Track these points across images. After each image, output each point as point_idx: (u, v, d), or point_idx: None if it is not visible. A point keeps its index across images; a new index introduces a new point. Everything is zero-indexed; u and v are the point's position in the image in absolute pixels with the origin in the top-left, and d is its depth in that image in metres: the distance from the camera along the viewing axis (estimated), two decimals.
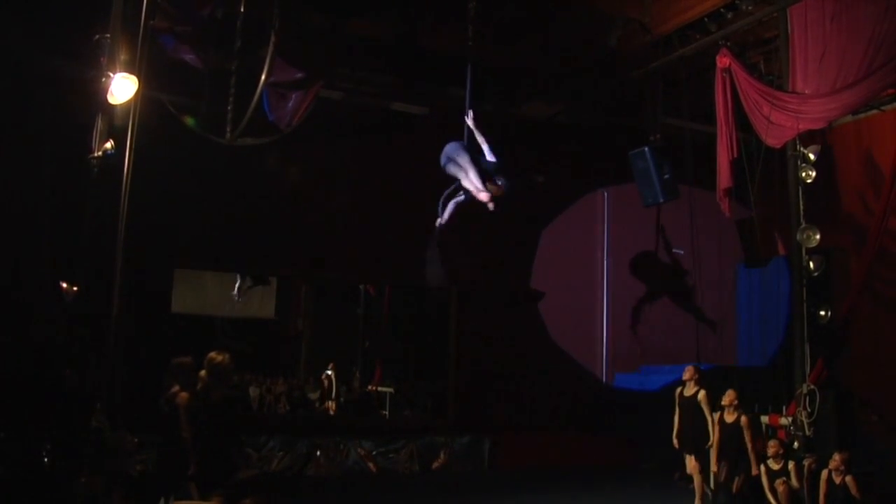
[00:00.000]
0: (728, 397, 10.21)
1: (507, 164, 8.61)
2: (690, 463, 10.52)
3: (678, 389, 10.71)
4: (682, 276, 16.20)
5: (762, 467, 9.77)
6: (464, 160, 8.37)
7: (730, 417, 10.10)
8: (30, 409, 9.67)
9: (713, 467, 10.24)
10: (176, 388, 7.66)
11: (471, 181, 8.31)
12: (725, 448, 10.07)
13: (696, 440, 10.34)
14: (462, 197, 8.56)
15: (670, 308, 16.26)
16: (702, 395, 10.38)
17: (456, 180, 8.51)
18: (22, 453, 9.44)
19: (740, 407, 10.13)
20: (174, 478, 7.55)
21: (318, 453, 12.68)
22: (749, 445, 9.92)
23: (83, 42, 8.59)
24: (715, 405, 10.37)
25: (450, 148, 8.52)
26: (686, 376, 10.66)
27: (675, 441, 10.68)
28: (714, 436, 10.19)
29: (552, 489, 11.77)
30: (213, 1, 9.91)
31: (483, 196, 8.30)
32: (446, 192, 8.66)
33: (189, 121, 9.80)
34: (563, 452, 14.03)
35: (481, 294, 14.57)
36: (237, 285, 15.77)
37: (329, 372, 16.08)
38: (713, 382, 10.67)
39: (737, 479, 10.04)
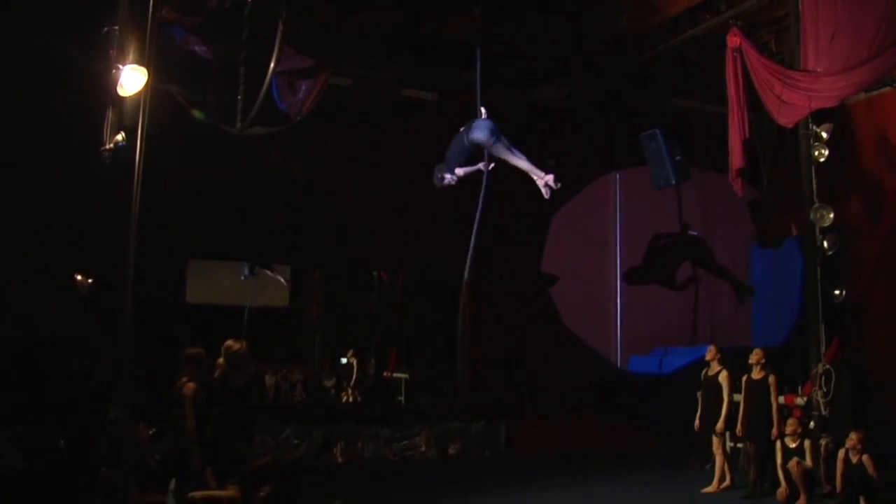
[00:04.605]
0: (755, 356, 10.28)
1: (517, 148, 8.61)
2: (715, 443, 10.54)
3: (704, 370, 10.74)
4: (696, 258, 16.17)
5: (778, 444, 9.78)
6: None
7: (757, 375, 10.14)
8: (48, 402, 9.76)
9: (738, 428, 10.28)
10: (184, 378, 7.70)
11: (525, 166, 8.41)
12: (751, 406, 10.10)
13: (716, 422, 10.36)
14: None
15: (684, 290, 16.23)
16: (723, 375, 10.41)
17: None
18: (41, 445, 9.53)
19: (768, 365, 10.15)
20: (183, 467, 7.60)
21: (335, 441, 12.71)
22: (774, 405, 9.96)
23: (93, 34, 8.62)
24: (735, 387, 10.40)
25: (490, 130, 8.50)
26: (709, 356, 10.69)
27: (696, 423, 10.71)
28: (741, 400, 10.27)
29: (569, 473, 11.76)
30: None
31: (549, 179, 8.41)
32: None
33: (197, 113, 9.80)
34: (578, 436, 14.02)
35: (494, 279, 14.55)
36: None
37: (345, 360, 16.12)
38: (728, 363, 10.68)
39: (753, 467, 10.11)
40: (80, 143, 9.26)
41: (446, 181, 8.59)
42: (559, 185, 8.46)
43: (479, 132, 8.36)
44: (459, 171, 8.63)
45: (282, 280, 15.66)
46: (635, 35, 12.97)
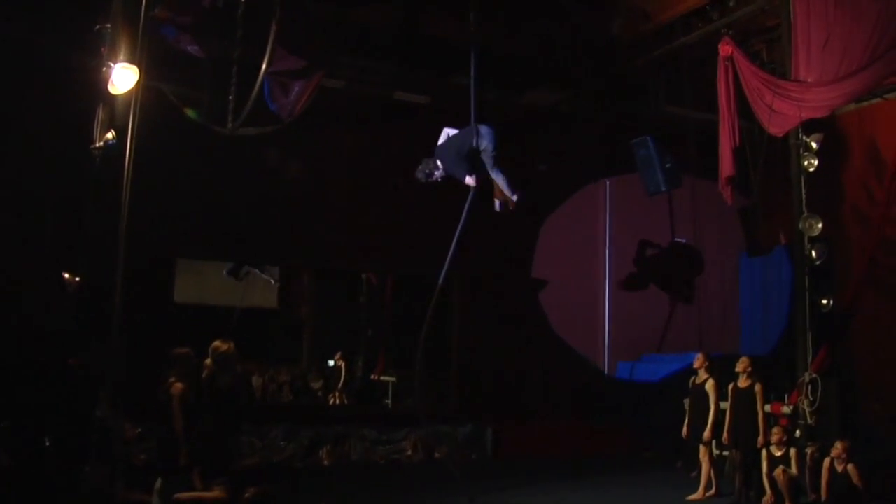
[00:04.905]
0: (742, 364, 10.29)
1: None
2: (702, 451, 10.55)
3: (692, 378, 10.76)
4: (685, 265, 16.20)
5: (763, 453, 9.80)
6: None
7: (744, 383, 10.16)
8: (35, 399, 9.71)
9: (725, 436, 10.32)
10: (172, 378, 7.69)
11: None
12: (738, 414, 10.13)
13: (703, 430, 10.39)
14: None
15: (672, 297, 16.27)
16: (710, 384, 10.42)
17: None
18: (27, 442, 9.48)
19: (755, 374, 10.17)
20: (171, 467, 7.59)
21: (322, 443, 12.68)
22: (760, 413, 9.98)
23: (86, 31, 8.60)
24: (721, 394, 10.43)
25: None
26: (696, 364, 10.71)
27: (684, 430, 10.74)
28: (728, 406, 10.32)
29: (555, 478, 11.77)
30: None
31: (513, 199, 8.44)
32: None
33: (189, 112, 9.78)
34: (565, 441, 14.02)
35: (483, 283, 14.57)
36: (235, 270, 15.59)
37: (332, 362, 16.08)
38: (715, 372, 10.69)
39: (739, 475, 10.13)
40: (71, 141, 9.23)
41: (434, 177, 8.55)
42: (513, 208, 8.50)
43: (488, 140, 8.33)
44: (470, 180, 8.54)
45: (272, 280, 15.64)
46: (628, 42, 13.02)
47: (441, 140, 8.63)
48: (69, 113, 9.46)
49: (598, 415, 14.77)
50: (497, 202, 8.54)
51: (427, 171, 8.47)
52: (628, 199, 15.78)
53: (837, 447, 9.17)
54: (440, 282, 9.00)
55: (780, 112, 10.61)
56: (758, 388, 10.08)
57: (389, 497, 10.60)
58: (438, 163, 8.42)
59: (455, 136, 8.53)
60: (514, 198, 8.43)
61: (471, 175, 8.45)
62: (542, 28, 12.75)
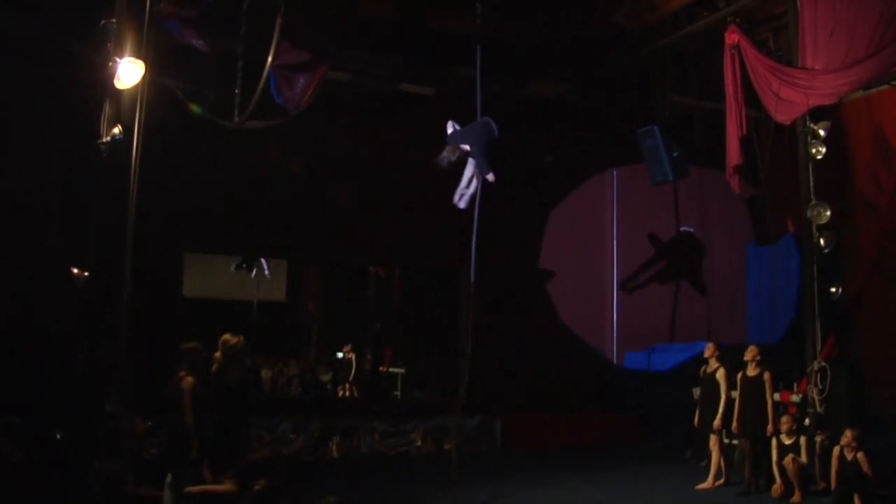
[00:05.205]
0: (750, 353, 10.32)
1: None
2: (712, 440, 10.56)
3: (702, 367, 10.77)
4: (693, 255, 16.18)
5: (773, 441, 9.80)
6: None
7: (752, 372, 10.18)
8: (44, 395, 9.75)
9: (734, 425, 10.34)
10: (182, 372, 7.70)
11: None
12: (747, 402, 10.14)
13: (714, 419, 10.40)
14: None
15: (680, 287, 16.25)
16: (720, 373, 10.43)
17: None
18: (38, 437, 9.53)
19: (764, 362, 10.18)
20: (182, 461, 7.60)
21: (331, 435, 12.71)
22: (769, 402, 9.99)
23: (91, 27, 8.61)
24: (731, 384, 10.43)
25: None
26: (707, 353, 10.72)
27: (696, 420, 10.76)
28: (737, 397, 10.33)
29: (564, 469, 11.78)
30: None
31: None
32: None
33: (195, 107, 9.78)
34: (574, 432, 14.05)
35: (491, 275, 14.54)
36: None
37: (341, 355, 16.11)
38: (726, 361, 10.69)
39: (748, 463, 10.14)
40: (77, 137, 9.25)
41: (458, 161, 8.56)
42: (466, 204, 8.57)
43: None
44: (491, 177, 8.56)
45: (266, 272, 15.69)
46: (634, 31, 12.96)
47: (450, 131, 8.64)
48: (76, 108, 9.47)
49: (606, 405, 14.77)
50: (468, 187, 8.59)
51: (453, 157, 8.44)
52: (635, 189, 15.75)
53: (847, 435, 9.16)
54: (472, 278, 9.07)
55: (788, 100, 10.57)
56: (766, 376, 10.09)
57: (399, 489, 10.61)
58: (465, 147, 8.41)
59: (471, 127, 8.53)
60: (463, 203, 8.53)
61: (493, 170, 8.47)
62: (547, 18, 12.71)
